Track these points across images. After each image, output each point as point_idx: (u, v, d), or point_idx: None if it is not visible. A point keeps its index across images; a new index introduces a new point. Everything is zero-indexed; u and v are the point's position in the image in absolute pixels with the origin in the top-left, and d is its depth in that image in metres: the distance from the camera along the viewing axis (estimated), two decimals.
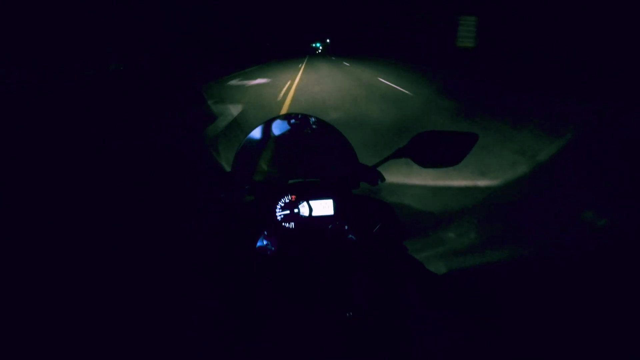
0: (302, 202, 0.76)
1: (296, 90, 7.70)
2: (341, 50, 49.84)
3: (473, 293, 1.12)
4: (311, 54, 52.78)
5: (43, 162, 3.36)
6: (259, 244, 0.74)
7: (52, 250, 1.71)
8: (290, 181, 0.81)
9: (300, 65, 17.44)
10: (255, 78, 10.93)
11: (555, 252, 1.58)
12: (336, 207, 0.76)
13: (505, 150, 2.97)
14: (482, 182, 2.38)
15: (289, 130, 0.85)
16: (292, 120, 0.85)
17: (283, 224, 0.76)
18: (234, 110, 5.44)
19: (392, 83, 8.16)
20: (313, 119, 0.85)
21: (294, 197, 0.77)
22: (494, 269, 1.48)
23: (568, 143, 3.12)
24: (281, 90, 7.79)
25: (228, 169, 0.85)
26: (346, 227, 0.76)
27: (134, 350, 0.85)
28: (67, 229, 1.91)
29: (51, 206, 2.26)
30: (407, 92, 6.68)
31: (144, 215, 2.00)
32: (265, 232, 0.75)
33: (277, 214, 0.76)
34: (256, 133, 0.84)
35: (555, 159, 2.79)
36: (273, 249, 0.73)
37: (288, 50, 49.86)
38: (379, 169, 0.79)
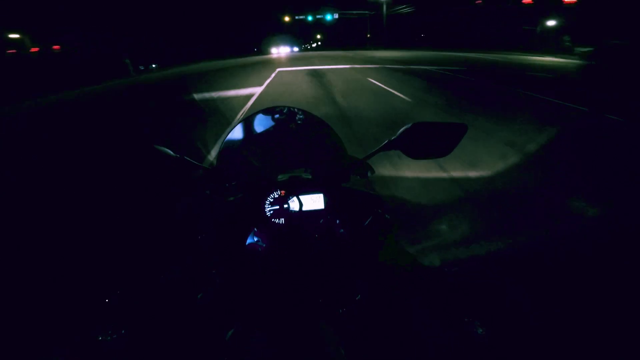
0: (292, 197, 0.74)
1: None
2: None
3: (467, 287, 1.13)
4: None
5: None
6: (249, 241, 0.72)
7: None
8: (280, 176, 0.79)
9: None
10: None
11: (547, 242, 1.61)
12: (326, 201, 0.74)
13: None
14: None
15: (274, 124, 0.83)
16: (277, 115, 0.83)
17: (273, 220, 0.74)
18: None
19: None
20: (299, 112, 0.83)
21: (283, 192, 0.75)
22: (487, 261, 1.49)
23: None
24: None
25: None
26: (337, 222, 0.74)
27: (124, 351, 0.83)
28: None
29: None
30: None
31: (120, 215, 1.98)
32: (256, 229, 0.73)
33: (267, 209, 0.74)
34: (240, 126, 0.82)
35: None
36: (264, 245, 0.71)
37: None
38: (369, 161, 0.78)
